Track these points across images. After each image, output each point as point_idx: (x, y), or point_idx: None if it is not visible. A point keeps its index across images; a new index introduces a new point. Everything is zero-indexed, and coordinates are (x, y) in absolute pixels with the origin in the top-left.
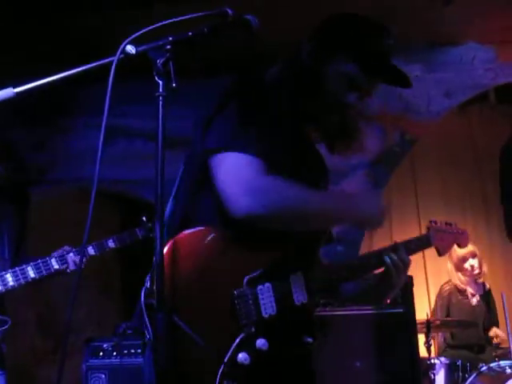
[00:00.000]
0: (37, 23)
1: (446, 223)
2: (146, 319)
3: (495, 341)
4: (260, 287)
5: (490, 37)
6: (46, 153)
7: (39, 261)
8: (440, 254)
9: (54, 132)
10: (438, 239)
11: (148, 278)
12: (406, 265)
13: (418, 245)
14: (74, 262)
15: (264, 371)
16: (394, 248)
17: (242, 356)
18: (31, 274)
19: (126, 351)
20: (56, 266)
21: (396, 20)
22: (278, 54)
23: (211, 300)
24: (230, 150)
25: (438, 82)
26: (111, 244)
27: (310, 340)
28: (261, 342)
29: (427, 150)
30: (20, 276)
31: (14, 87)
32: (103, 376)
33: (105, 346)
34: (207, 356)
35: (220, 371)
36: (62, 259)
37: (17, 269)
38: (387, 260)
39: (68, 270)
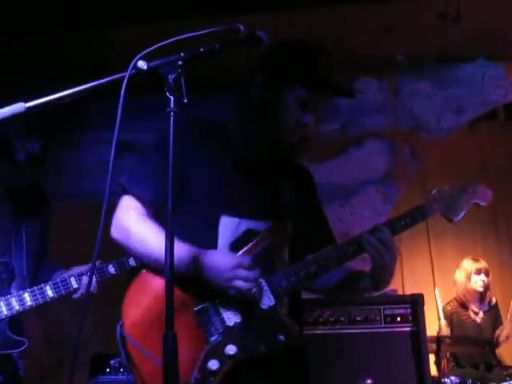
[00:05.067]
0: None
1: (451, 187)
2: (122, 349)
3: (501, 339)
4: (219, 299)
5: (501, 54)
6: (55, 167)
7: (58, 280)
8: (451, 220)
9: (63, 146)
10: (443, 207)
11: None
12: (387, 245)
13: (412, 219)
14: (95, 281)
15: (237, 373)
16: (373, 230)
17: (211, 363)
18: (50, 293)
19: None
20: (75, 286)
21: (406, 37)
22: None
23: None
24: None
25: (449, 98)
26: (132, 263)
27: (282, 338)
28: (229, 348)
29: (437, 167)
30: (38, 296)
31: (25, 102)
32: None
33: (112, 362)
34: (182, 368)
35: (193, 378)
36: (81, 279)
37: (35, 288)
38: (365, 244)
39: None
